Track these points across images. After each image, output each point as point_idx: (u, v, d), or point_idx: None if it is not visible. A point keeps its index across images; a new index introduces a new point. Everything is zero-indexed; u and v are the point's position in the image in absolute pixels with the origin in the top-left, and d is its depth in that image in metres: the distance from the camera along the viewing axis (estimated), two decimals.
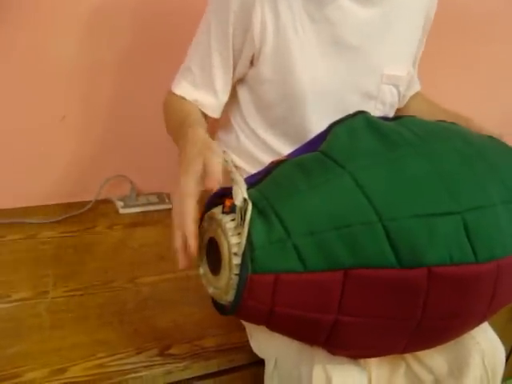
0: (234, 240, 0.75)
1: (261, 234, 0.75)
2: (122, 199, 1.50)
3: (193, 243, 0.78)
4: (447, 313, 0.84)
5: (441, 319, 0.85)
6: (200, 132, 0.92)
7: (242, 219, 0.74)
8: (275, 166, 0.87)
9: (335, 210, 0.78)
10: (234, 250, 0.75)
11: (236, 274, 0.75)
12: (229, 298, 0.78)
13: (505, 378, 1.74)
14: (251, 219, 0.74)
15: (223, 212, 0.78)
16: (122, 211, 1.46)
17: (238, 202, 0.75)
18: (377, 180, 0.81)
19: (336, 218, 0.77)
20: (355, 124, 0.92)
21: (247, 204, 0.74)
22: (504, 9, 1.91)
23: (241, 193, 0.76)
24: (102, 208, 1.47)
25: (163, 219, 1.46)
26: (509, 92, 2.14)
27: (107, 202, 1.50)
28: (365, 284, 0.78)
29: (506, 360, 1.70)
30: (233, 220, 0.76)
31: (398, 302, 0.80)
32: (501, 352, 1.03)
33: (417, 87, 1.38)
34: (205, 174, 0.79)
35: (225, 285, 0.78)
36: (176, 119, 1.07)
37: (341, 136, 0.90)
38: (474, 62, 1.97)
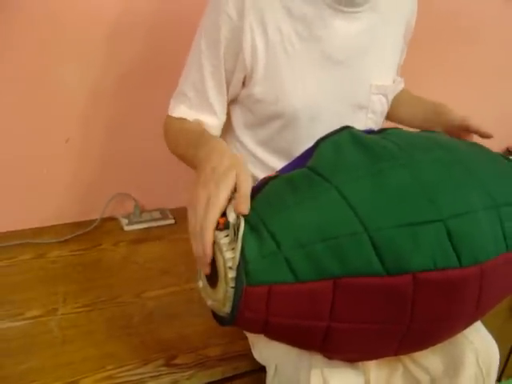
0: (228, 255, 0.78)
1: (253, 248, 0.78)
2: (126, 216, 1.53)
3: (209, 253, 0.80)
4: (435, 316, 0.87)
5: (429, 322, 0.87)
6: (224, 144, 0.93)
7: (236, 235, 0.78)
8: (266, 182, 0.90)
9: (323, 222, 0.81)
10: (229, 264, 0.78)
11: (232, 287, 0.78)
12: (226, 309, 0.81)
13: (507, 377, 1.77)
14: (244, 235, 0.78)
15: (218, 228, 0.80)
16: (126, 228, 1.49)
17: (231, 219, 0.79)
18: (361, 192, 0.84)
19: (324, 231, 0.80)
20: (340, 139, 0.95)
21: (240, 221, 0.78)
22: (492, 10, 1.94)
23: (234, 210, 0.80)
24: (107, 226, 1.50)
25: (166, 235, 1.49)
26: (498, 92, 2.16)
27: (112, 219, 1.53)
28: (354, 292, 0.81)
29: (507, 360, 1.73)
30: (227, 236, 0.79)
31: (387, 307, 0.83)
32: (495, 351, 1.05)
33: (400, 86, 1.38)
34: (237, 194, 0.81)
35: (222, 297, 0.81)
36: (187, 136, 1.07)
37: (327, 152, 0.92)
38: (462, 64, 1.99)
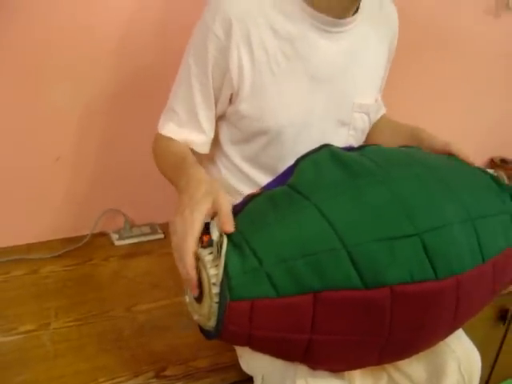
0: (212, 271, 0.81)
1: (236, 264, 0.81)
2: (116, 232, 1.54)
3: (193, 275, 0.84)
4: (413, 327, 0.90)
5: (408, 333, 0.90)
6: (202, 172, 0.97)
7: (219, 252, 0.81)
8: (249, 200, 0.93)
9: (302, 239, 0.84)
10: (213, 280, 0.81)
11: (216, 302, 0.81)
12: (211, 323, 0.84)
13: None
14: (227, 252, 0.81)
15: (202, 246, 0.84)
16: (117, 243, 1.51)
17: (215, 236, 0.82)
18: (340, 209, 0.87)
19: (303, 247, 0.83)
20: (320, 157, 0.98)
21: (223, 239, 0.81)
22: (472, 25, 1.96)
23: (217, 228, 0.83)
24: (98, 241, 1.52)
25: (156, 249, 1.51)
26: (482, 105, 2.18)
27: (103, 235, 1.55)
28: (333, 305, 0.84)
29: (493, 367, 1.76)
30: (211, 253, 0.82)
31: (366, 319, 0.86)
32: (476, 359, 1.08)
33: (382, 111, 1.42)
34: (219, 216, 0.85)
35: (207, 312, 0.84)
36: (171, 160, 1.10)
37: (306, 170, 0.95)
38: (446, 78, 2.01)
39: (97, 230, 1.53)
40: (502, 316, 1.67)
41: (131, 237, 1.54)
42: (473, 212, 0.95)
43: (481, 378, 1.64)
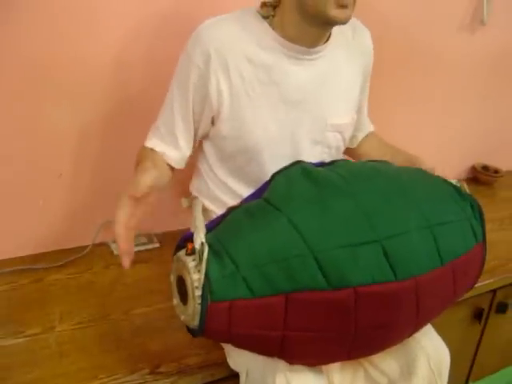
0: (195, 276, 0.90)
1: (216, 270, 0.90)
2: (115, 242, 1.52)
3: (122, 245, 1.03)
4: (377, 324, 0.98)
5: (373, 329, 0.98)
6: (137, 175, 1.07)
7: (201, 259, 0.90)
8: (229, 212, 1.02)
9: (274, 246, 0.93)
10: (196, 284, 0.90)
11: (199, 304, 0.90)
12: (195, 323, 0.93)
13: (473, 380, 1.88)
14: (208, 259, 0.90)
15: (187, 254, 0.93)
16: (116, 252, 1.55)
17: (197, 245, 0.92)
18: (308, 219, 0.95)
19: (275, 253, 0.92)
20: (292, 173, 1.06)
21: (204, 247, 0.91)
22: (450, 40, 2.04)
23: (199, 238, 0.93)
24: (98, 251, 1.58)
25: (152, 257, 1.56)
26: (461, 116, 2.26)
27: (103, 245, 1.60)
28: (303, 305, 0.92)
29: (472, 364, 1.83)
30: (194, 260, 0.92)
31: (333, 317, 0.94)
32: (445, 354, 1.16)
33: (368, 129, 1.50)
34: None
35: (191, 313, 0.93)
36: (137, 161, 1.22)
37: (279, 184, 1.04)
38: (424, 91, 2.08)
39: (97, 241, 1.59)
40: (478, 315, 1.73)
41: None
42: (432, 219, 1.03)
43: (461, 376, 1.72)
